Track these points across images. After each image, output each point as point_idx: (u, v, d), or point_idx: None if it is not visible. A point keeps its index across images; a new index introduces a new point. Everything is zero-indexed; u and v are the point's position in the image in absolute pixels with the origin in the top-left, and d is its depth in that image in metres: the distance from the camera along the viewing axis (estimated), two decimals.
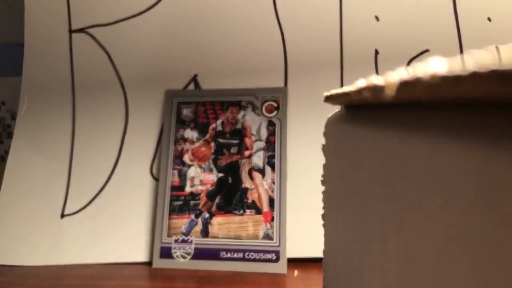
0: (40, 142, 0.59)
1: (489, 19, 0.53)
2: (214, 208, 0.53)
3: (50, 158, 0.58)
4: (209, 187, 0.54)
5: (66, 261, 0.53)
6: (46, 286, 0.47)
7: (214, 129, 0.55)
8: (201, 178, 0.54)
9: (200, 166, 0.55)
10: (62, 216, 0.56)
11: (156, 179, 0.56)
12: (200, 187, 0.54)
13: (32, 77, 0.60)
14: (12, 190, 0.57)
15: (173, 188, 0.54)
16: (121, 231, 0.54)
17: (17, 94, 0.61)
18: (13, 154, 0.59)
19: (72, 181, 0.57)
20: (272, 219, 0.51)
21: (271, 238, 0.50)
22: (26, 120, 0.60)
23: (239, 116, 0.55)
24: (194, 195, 0.54)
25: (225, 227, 0.52)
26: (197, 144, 0.55)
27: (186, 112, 0.57)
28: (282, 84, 0.57)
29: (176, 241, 0.52)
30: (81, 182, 0.57)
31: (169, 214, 0.53)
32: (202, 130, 0.56)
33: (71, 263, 0.53)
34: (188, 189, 0.54)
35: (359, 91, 0.16)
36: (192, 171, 0.54)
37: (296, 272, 0.48)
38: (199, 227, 0.52)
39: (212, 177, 0.54)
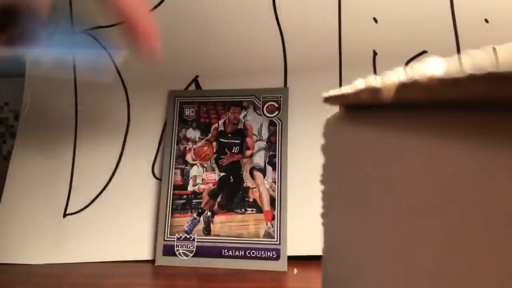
0: (43, 142, 0.59)
1: (486, 21, 0.53)
2: (216, 207, 0.53)
3: (52, 157, 0.59)
4: (211, 186, 0.54)
5: (68, 259, 0.54)
6: (49, 284, 0.47)
7: (216, 129, 0.56)
8: (203, 177, 0.55)
9: (202, 166, 0.55)
10: (65, 215, 0.56)
11: (158, 178, 0.57)
12: (202, 186, 0.54)
13: (35, 78, 0.61)
14: (15, 190, 0.58)
15: (176, 187, 0.54)
16: (123, 229, 0.55)
17: (20, 95, 0.61)
18: (16, 154, 0.59)
19: (75, 180, 0.58)
20: (273, 218, 0.51)
21: (271, 237, 0.51)
22: (29, 120, 0.60)
23: (241, 116, 0.56)
24: (196, 194, 0.54)
25: (226, 226, 0.52)
26: (199, 144, 0.56)
27: (188, 112, 0.57)
28: (281, 85, 0.57)
29: (178, 239, 0.52)
30: (83, 181, 0.58)
31: (172, 213, 0.53)
32: (204, 130, 0.56)
33: (74, 261, 0.53)
34: (190, 188, 0.54)
35: (357, 93, 0.16)
36: (195, 170, 0.55)
37: (295, 270, 0.49)
38: (201, 226, 0.53)
39: (214, 176, 0.54)
